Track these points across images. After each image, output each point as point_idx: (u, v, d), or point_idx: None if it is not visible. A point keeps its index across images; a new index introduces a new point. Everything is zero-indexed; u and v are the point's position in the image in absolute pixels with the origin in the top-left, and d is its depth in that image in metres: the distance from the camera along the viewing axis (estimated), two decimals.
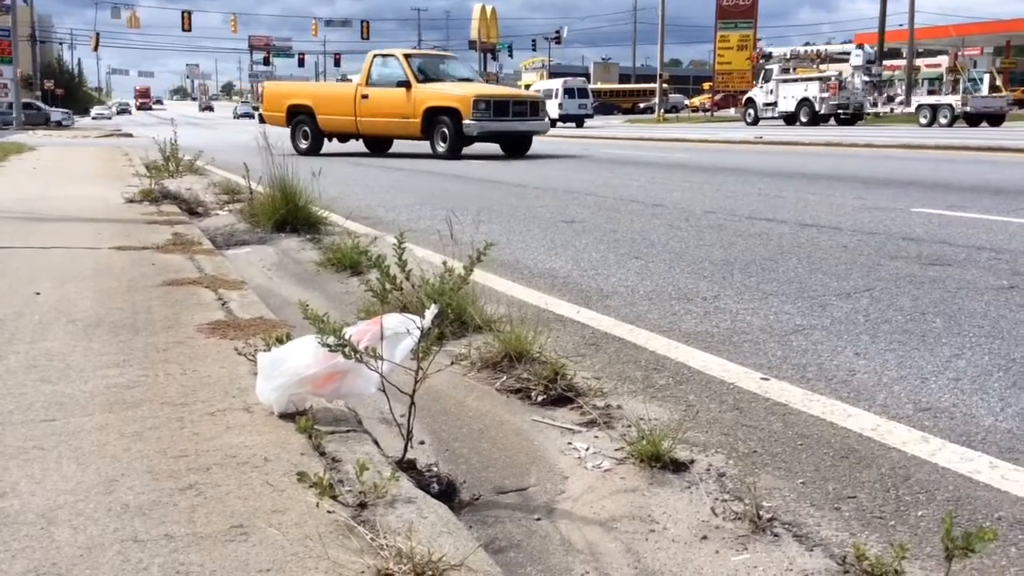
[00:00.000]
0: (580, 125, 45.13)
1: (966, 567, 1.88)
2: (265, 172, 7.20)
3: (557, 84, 48.69)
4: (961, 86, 38.61)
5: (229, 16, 74.79)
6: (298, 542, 1.75)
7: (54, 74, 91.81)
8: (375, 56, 18.72)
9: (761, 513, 2.12)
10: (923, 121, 36.61)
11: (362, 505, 1.89)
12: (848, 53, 40.21)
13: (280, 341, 2.76)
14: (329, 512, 1.86)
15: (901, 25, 50.19)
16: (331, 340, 2.19)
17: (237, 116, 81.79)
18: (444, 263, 2.81)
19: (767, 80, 41.79)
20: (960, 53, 52.01)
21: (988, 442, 2.56)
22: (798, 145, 21.35)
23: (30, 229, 6.35)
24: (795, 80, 40.35)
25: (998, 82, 48.38)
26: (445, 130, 17.53)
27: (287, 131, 18.66)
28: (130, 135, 35.30)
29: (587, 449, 2.60)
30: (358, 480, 1.95)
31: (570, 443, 2.67)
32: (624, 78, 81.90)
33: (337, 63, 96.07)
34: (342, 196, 9.65)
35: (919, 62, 58.98)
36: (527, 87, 63.91)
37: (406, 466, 2.30)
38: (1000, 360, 3.32)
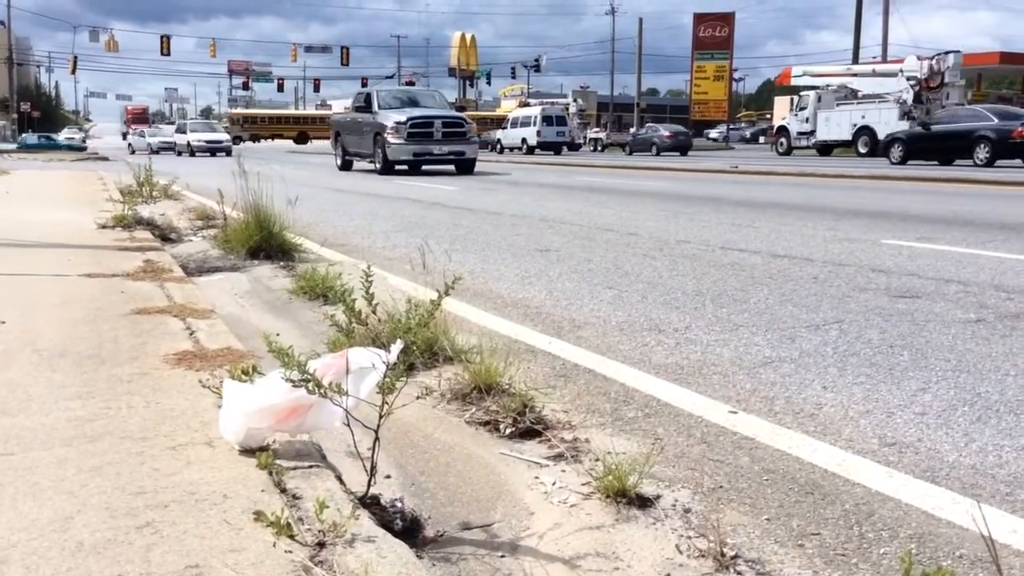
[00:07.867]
0: (559, 153, 45.35)
1: None
2: (240, 198, 7.18)
3: (535, 111, 48.80)
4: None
5: (205, 41, 74.88)
6: None
7: (31, 97, 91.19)
8: None
9: (725, 550, 2.12)
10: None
11: (321, 544, 1.86)
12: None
13: (246, 372, 2.73)
14: (287, 552, 1.83)
15: (874, 57, 50.96)
16: (294, 375, 2.17)
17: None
18: (409, 300, 2.81)
19: None
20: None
21: (952, 478, 2.58)
22: (773, 175, 21.56)
23: None
24: None
25: None
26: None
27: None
28: (106, 159, 35.10)
29: (554, 483, 2.59)
30: (318, 518, 1.93)
31: (537, 477, 2.65)
32: (602, 106, 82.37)
33: (316, 88, 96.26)
34: (318, 222, 9.63)
35: None
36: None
37: (370, 502, 2.27)
38: (966, 394, 3.35)
